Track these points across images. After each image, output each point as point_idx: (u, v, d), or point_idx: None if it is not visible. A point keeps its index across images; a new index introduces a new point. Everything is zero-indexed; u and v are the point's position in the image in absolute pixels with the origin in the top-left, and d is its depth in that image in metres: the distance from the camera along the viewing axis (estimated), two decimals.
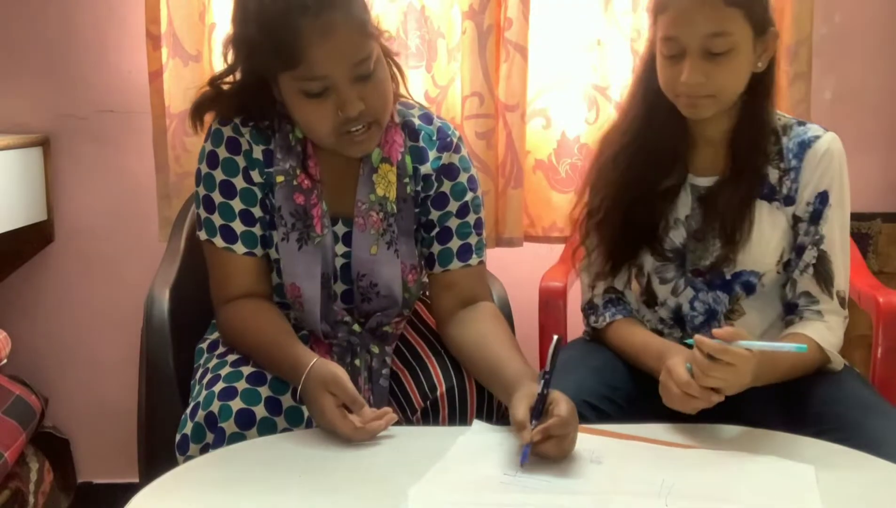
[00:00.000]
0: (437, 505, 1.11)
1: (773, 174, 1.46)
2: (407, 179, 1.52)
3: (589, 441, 1.26)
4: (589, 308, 1.59)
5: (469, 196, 1.54)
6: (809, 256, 1.45)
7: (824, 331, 1.43)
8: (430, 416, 1.46)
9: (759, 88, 1.45)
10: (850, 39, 2.23)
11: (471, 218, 1.55)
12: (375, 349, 1.50)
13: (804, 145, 1.45)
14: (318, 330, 1.50)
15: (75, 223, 2.27)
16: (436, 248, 1.54)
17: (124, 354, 2.19)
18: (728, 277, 1.48)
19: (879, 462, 1.21)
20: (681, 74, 1.39)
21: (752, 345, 1.25)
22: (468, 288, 1.53)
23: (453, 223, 1.54)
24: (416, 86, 2.11)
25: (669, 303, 1.53)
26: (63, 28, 2.20)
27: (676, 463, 1.19)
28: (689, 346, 1.29)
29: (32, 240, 2.23)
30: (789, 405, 1.39)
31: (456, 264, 1.53)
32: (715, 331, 1.25)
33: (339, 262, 1.52)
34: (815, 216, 1.45)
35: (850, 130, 2.24)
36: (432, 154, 1.53)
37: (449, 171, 1.53)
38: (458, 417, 1.45)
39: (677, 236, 1.50)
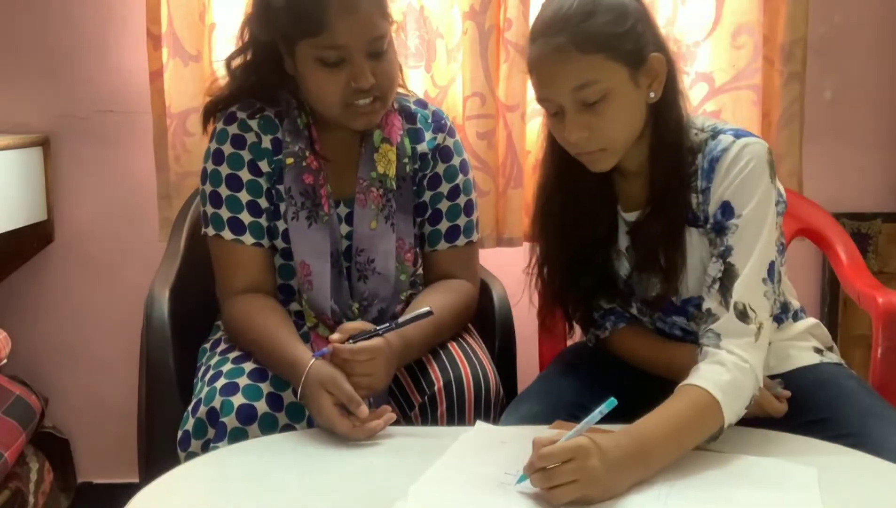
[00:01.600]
0: (437, 505, 1.11)
1: (693, 199, 1.37)
2: (406, 160, 1.59)
3: None
4: (585, 322, 1.57)
5: (460, 179, 1.63)
6: (714, 269, 1.31)
7: (716, 371, 1.23)
8: (427, 411, 1.47)
9: (664, 112, 1.35)
10: (850, 39, 2.24)
11: (461, 200, 1.62)
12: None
13: (713, 162, 1.33)
14: (327, 310, 1.52)
15: (75, 223, 2.27)
16: (426, 229, 1.63)
17: (124, 354, 2.19)
18: (678, 303, 1.43)
19: (881, 463, 1.21)
20: (564, 132, 1.33)
21: (569, 434, 1.11)
22: (452, 269, 1.62)
23: (444, 206, 1.62)
24: (416, 86, 2.11)
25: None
26: (64, 28, 2.20)
27: (676, 463, 1.19)
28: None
29: (32, 240, 2.23)
30: (789, 410, 1.38)
31: (443, 244, 1.62)
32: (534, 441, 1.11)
33: (344, 243, 1.56)
34: (719, 228, 1.32)
35: (850, 130, 2.27)
36: (428, 135, 1.62)
37: (443, 153, 1.62)
38: (457, 412, 1.46)
39: (622, 269, 1.47)
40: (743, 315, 1.27)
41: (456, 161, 1.63)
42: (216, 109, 1.57)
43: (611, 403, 1.12)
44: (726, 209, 1.32)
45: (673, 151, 1.36)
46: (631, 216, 1.43)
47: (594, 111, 1.30)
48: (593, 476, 1.09)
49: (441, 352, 1.51)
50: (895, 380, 1.66)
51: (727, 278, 1.30)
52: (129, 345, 2.00)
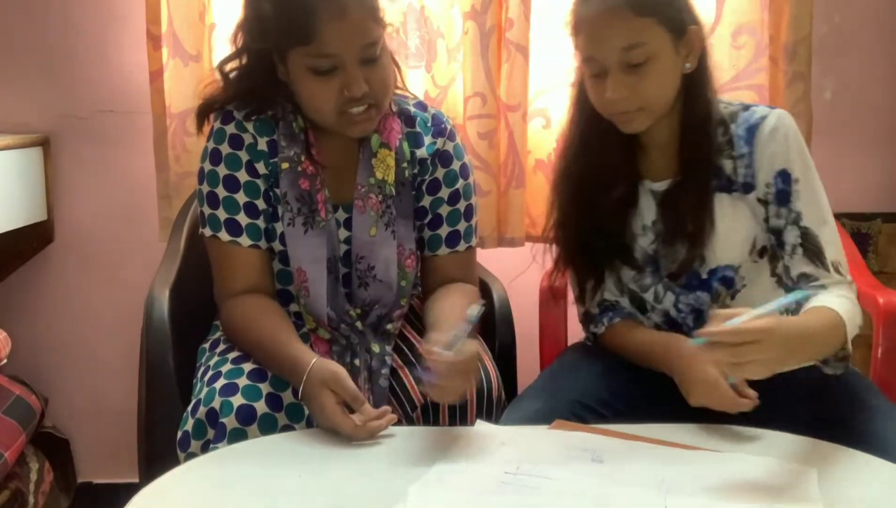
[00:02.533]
0: (437, 505, 1.11)
1: (727, 165, 1.43)
2: (405, 164, 1.57)
3: (589, 441, 1.26)
4: (586, 318, 1.59)
5: (461, 183, 1.61)
6: (793, 236, 1.40)
7: (837, 299, 1.34)
8: (429, 412, 1.47)
9: (696, 84, 1.43)
10: (851, 39, 2.23)
11: (461, 205, 1.61)
12: (376, 349, 1.51)
13: (752, 129, 1.42)
14: (323, 317, 1.51)
15: (75, 223, 2.27)
16: (426, 233, 1.61)
17: (124, 354, 2.19)
18: (704, 275, 1.46)
19: (882, 463, 1.21)
20: (605, 92, 1.38)
21: (756, 313, 1.17)
22: (453, 273, 1.61)
23: (444, 211, 1.60)
24: (416, 86, 2.11)
25: (657, 309, 1.52)
26: (63, 28, 2.20)
27: (676, 463, 1.19)
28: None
29: (32, 240, 2.23)
30: (790, 409, 1.38)
31: (444, 249, 1.61)
32: (713, 314, 1.18)
33: (342, 248, 1.55)
34: (782, 196, 1.41)
35: (850, 130, 2.27)
36: (427, 139, 1.60)
37: (443, 157, 1.60)
38: (458, 412, 1.46)
39: (646, 243, 1.50)
40: (840, 272, 1.40)
41: (456, 165, 1.61)
42: (211, 109, 1.55)
43: (802, 296, 1.25)
44: (784, 176, 1.40)
45: (703, 120, 1.43)
46: (661, 186, 1.48)
47: (637, 73, 1.36)
48: (771, 359, 1.16)
49: None
50: (895, 380, 1.66)
51: (810, 241, 1.40)
52: (129, 345, 1.99)
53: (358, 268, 1.54)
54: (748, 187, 1.43)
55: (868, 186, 2.28)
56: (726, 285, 1.47)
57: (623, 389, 1.46)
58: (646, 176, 1.50)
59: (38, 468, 2.10)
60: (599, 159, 1.48)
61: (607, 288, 1.56)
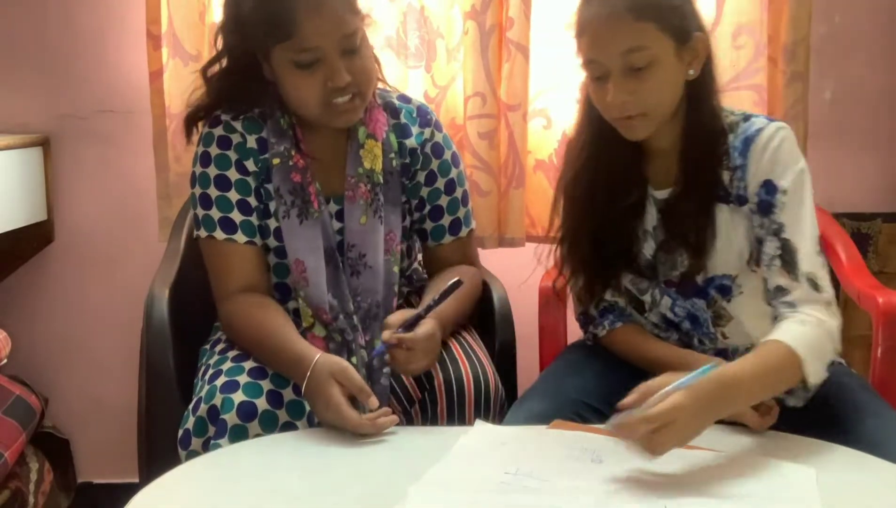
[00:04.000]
0: (437, 505, 1.11)
1: (725, 176, 1.43)
2: (392, 155, 1.61)
3: (589, 441, 1.26)
4: (585, 319, 1.59)
5: (454, 172, 1.67)
6: (772, 247, 1.38)
7: (796, 327, 1.30)
8: (427, 408, 1.48)
9: (700, 92, 1.42)
10: (850, 39, 2.23)
11: (458, 193, 1.67)
12: (377, 344, 1.51)
13: (748, 141, 1.41)
14: (324, 305, 1.52)
15: (75, 223, 2.27)
16: (428, 225, 1.67)
17: (124, 354, 2.19)
18: (701, 283, 1.46)
19: (880, 462, 1.21)
20: (607, 95, 1.38)
21: (668, 389, 1.16)
22: (456, 258, 1.68)
23: (443, 201, 1.66)
24: (416, 86, 2.11)
25: (654, 310, 1.52)
26: (63, 28, 2.20)
27: (676, 463, 1.19)
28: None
29: (32, 240, 2.23)
30: (789, 409, 1.38)
31: (448, 237, 1.68)
32: (620, 403, 1.18)
33: (336, 239, 1.57)
34: (765, 207, 1.39)
35: (850, 130, 2.26)
36: (415, 130, 1.64)
37: (435, 149, 1.65)
38: (457, 410, 1.47)
39: (647, 249, 1.49)
40: (815, 286, 1.35)
41: (448, 155, 1.66)
42: (197, 117, 1.59)
43: (706, 369, 1.18)
44: (769, 187, 1.39)
45: (707, 129, 1.43)
46: (662, 194, 1.48)
47: (639, 77, 1.36)
48: (687, 430, 1.16)
49: (441, 350, 1.51)
50: (895, 380, 1.66)
51: (787, 253, 1.37)
52: (129, 345, 1.99)
53: (349, 257, 1.56)
54: (742, 200, 1.42)
55: (868, 186, 2.28)
56: (722, 293, 1.46)
57: (626, 389, 1.46)
58: (649, 182, 1.49)
59: (38, 468, 2.10)
60: (609, 166, 1.48)
61: (619, 276, 1.55)
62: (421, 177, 1.64)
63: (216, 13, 2.07)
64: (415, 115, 1.65)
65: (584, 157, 1.51)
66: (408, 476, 1.15)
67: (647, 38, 1.35)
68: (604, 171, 1.48)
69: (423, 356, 1.41)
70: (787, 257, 1.37)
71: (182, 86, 2.04)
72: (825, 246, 1.92)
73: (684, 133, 1.44)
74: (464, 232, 1.69)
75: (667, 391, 1.16)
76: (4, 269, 2.26)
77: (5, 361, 2.09)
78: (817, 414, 1.36)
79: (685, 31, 1.38)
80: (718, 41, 2.09)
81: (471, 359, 1.51)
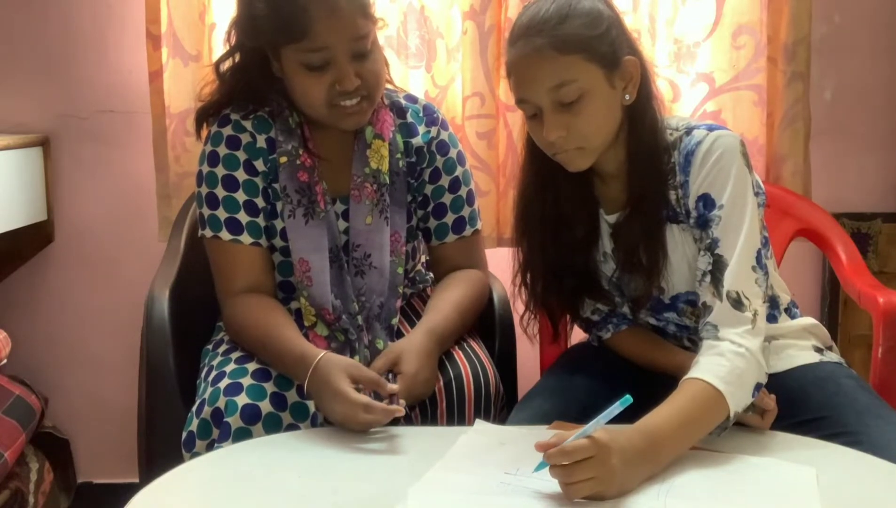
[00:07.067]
0: (437, 505, 1.11)
1: (672, 195, 1.39)
2: (399, 155, 1.61)
3: None
4: (588, 324, 1.57)
5: (459, 170, 1.66)
6: (703, 263, 1.34)
7: (715, 361, 1.25)
8: (427, 408, 1.47)
9: (639, 115, 1.38)
10: (850, 39, 2.23)
11: (462, 191, 1.66)
12: (380, 344, 1.51)
13: (688, 156, 1.36)
14: (327, 305, 1.52)
15: (75, 223, 2.27)
16: (432, 223, 1.65)
17: (124, 354, 2.19)
18: (668, 301, 1.45)
19: (880, 462, 1.21)
20: (543, 132, 1.35)
21: (588, 428, 1.12)
22: (460, 259, 1.66)
23: (447, 199, 1.64)
24: (416, 86, 2.11)
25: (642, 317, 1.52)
26: (63, 28, 2.20)
27: (676, 463, 1.19)
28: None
29: (32, 240, 2.23)
30: (788, 409, 1.38)
31: (451, 236, 1.65)
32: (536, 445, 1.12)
33: (342, 239, 1.57)
34: (702, 222, 1.35)
35: (850, 130, 2.26)
36: (422, 128, 1.64)
37: (440, 146, 1.64)
38: (457, 410, 1.47)
39: (609, 271, 1.48)
40: (737, 303, 1.29)
41: (453, 153, 1.65)
42: (208, 113, 1.59)
43: (626, 401, 1.12)
44: (706, 201, 1.35)
45: (649, 151, 1.39)
46: (612, 218, 1.46)
47: (571, 111, 1.33)
48: (611, 475, 1.10)
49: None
50: (895, 380, 1.66)
51: (717, 269, 1.32)
52: (129, 345, 2.00)
53: (355, 257, 1.56)
54: (689, 216, 1.38)
55: (868, 186, 2.28)
56: (693, 306, 1.43)
57: (632, 387, 1.46)
58: (601, 206, 1.48)
59: (38, 468, 2.10)
60: (557, 197, 1.46)
61: (587, 303, 1.54)
62: (426, 175, 1.63)
63: (216, 13, 2.07)
64: (421, 114, 1.65)
65: (532, 189, 1.49)
66: (408, 476, 1.15)
67: (574, 72, 1.31)
68: (552, 202, 1.46)
69: (423, 386, 1.40)
70: (717, 274, 1.32)
71: (182, 86, 2.05)
72: (825, 246, 1.94)
73: (628, 156, 1.41)
74: (468, 232, 1.66)
75: (584, 432, 1.11)
76: (4, 269, 2.26)
77: (5, 361, 2.09)
78: (818, 415, 1.36)
79: (614, 58, 1.34)
80: (718, 41, 2.10)
81: (471, 359, 1.51)
